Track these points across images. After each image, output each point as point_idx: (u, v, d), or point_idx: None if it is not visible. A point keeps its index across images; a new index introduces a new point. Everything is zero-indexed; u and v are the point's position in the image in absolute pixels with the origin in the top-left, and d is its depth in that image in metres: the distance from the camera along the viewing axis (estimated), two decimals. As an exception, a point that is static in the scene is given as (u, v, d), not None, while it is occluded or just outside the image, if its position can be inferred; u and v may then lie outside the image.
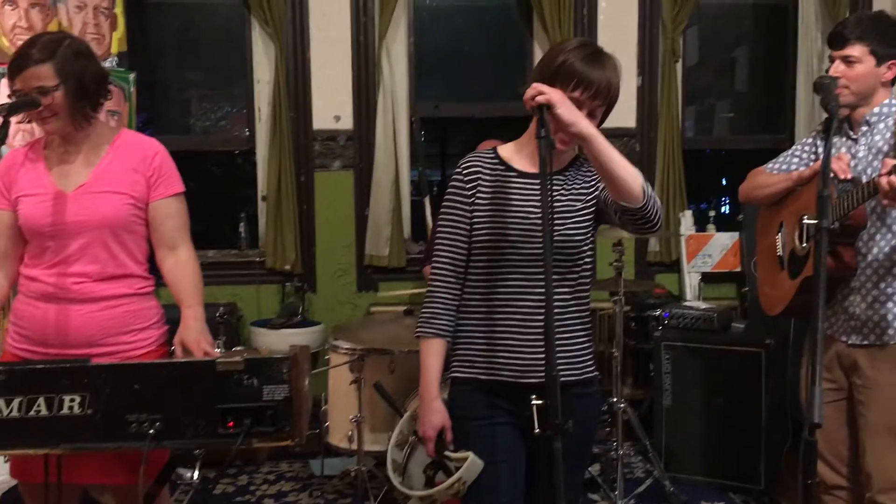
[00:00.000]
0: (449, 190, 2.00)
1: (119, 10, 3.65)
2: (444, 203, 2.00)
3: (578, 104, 1.81)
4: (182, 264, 2.32)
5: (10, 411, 1.65)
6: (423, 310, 2.00)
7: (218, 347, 3.62)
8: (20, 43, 3.22)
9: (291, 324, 4.20)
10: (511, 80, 4.78)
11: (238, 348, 3.89)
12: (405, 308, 3.58)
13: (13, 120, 2.09)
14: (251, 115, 4.49)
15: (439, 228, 2.00)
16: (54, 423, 1.66)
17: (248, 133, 4.56)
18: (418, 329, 1.99)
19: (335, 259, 4.50)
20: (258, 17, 4.27)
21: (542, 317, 1.68)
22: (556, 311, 1.87)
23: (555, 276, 1.86)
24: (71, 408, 1.66)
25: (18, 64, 2.11)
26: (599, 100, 1.86)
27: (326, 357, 3.46)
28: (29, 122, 2.19)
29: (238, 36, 4.47)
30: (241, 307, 4.37)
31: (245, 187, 4.66)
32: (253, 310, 4.40)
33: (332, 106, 4.42)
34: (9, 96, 2.15)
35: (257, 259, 4.44)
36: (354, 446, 3.23)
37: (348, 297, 4.51)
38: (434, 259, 2.00)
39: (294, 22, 4.34)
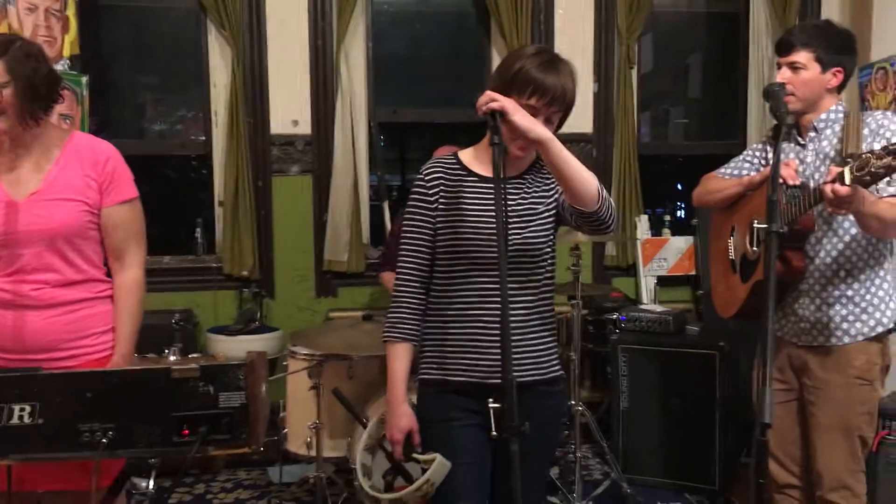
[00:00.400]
0: (412, 195, 2.02)
1: (71, 12, 3.59)
2: (408, 209, 2.02)
3: (534, 111, 1.84)
4: (124, 291, 2.26)
5: (-42, 421, 1.61)
6: (389, 314, 2.01)
7: (173, 355, 3.58)
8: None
9: (249, 330, 4.15)
10: (469, 86, 4.80)
11: (194, 355, 3.84)
12: (364, 313, 3.57)
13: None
14: (207, 119, 4.44)
15: (403, 234, 2.02)
16: (3, 433, 1.62)
17: (204, 138, 4.51)
18: (384, 333, 2.01)
19: (293, 264, 4.47)
20: (214, 20, 4.23)
21: (510, 318, 1.71)
22: (520, 312, 1.92)
23: (517, 279, 1.90)
24: (21, 417, 1.63)
25: None
26: (556, 106, 1.89)
27: (285, 363, 3.44)
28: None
29: (194, 40, 4.42)
30: (198, 313, 4.32)
31: (201, 192, 4.61)
32: (210, 316, 4.35)
33: (289, 110, 4.39)
34: None
35: (214, 265, 4.40)
36: (313, 453, 3.21)
37: (307, 303, 4.48)
38: (399, 264, 2.02)
39: (251, 26, 4.31)
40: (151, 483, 3.32)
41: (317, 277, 4.49)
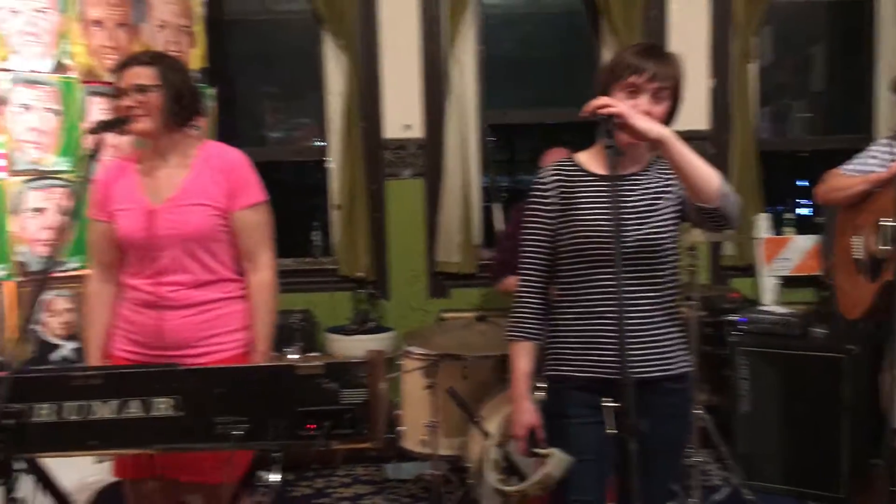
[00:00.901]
0: (531, 198, 2.07)
1: (198, 28, 3.79)
2: (527, 211, 2.07)
3: (637, 89, 1.87)
4: (258, 291, 2.39)
5: (107, 412, 1.74)
6: (512, 314, 2.08)
7: (294, 353, 3.73)
8: (107, 62, 3.40)
9: (364, 330, 4.28)
10: (580, 86, 4.76)
11: (313, 354, 3.98)
12: (477, 314, 3.60)
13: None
14: (323, 126, 4.59)
15: (523, 236, 2.07)
16: (148, 424, 1.75)
17: (320, 143, 4.67)
18: (508, 333, 2.08)
19: (407, 266, 4.56)
20: (330, 30, 4.37)
21: (632, 314, 1.73)
22: (643, 308, 1.93)
23: (639, 275, 1.91)
24: (163, 410, 1.75)
25: (126, 62, 2.28)
26: (658, 81, 1.89)
27: (399, 362, 3.52)
28: (123, 131, 2.33)
29: (311, 50, 4.58)
30: (316, 314, 4.46)
31: (318, 196, 4.76)
32: (327, 316, 4.49)
33: (402, 115, 4.49)
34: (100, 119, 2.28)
35: (331, 267, 4.54)
36: (428, 450, 3.27)
37: (420, 304, 4.56)
38: (520, 265, 2.08)
39: (365, 34, 4.43)
40: (276, 476, 3.48)
41: (429, 278, 4.56)
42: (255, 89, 5.03)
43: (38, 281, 2.08)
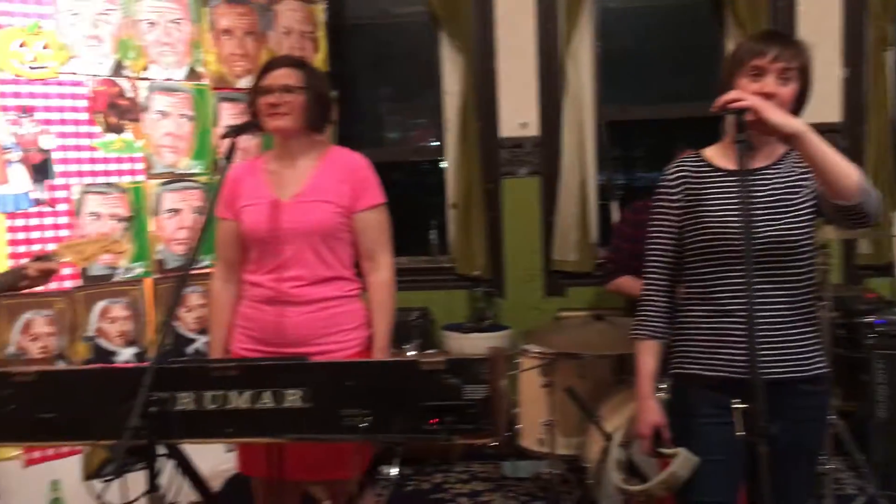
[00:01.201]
0: (656, 196, 2.04)
1: (321, 33, 3.91)
2: (652, 209, 2.04)
3: (762, 71, 1.82)
4: (378, 290, 2.45)
5: (242, 402, 1.82)
6: (638, 313, 2.05)
7: (413, 350, 3.79)
8: (237, 69, 3.56)
9: (481, 328, 4.30)
10: (701, 80, 4.63)
11: (432, 351, 4.03)
12: (595, 313, 3.56)
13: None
14: (440, 126, 4.65)
15: (649, 234, 2.04)
16: (279, 414, 1.82)
17: (437, 143, 4.72)
18: (633, 331, 2.06)
19: (523, 264, 4.56)
20: (447, 31, 4.42)
21: (764, 313, 1.67)
22: (777, 307, 1.87)
23: (773, 273, 1.85)
24: (293, 401, 1.81)
25: (273, 63, 2.40)
26: (783, 61, 1.82)
27: (516, 361, 3.52)
28: (254, 134, 2.46)
29: (427, 51, 4.65)
30: (433, 311, 4.52)
31: (434, 196, 4.82)
32: (444, 314, 4.54)
33: (518, 113, 4.48)
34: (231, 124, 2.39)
35: (447, 265, 4.59)
36: (546, 449, 3.26)
37: (536, 302, 4.55)
38: (646, 263, 2.04)
39: (480, 34, 4.45)
40: (396, 470, 3.56)
41: (545, 277, 4.54)
42: (373, 91, 5.14)
43: (178, 278, 2.20)
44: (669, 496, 1.97)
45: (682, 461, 1.89)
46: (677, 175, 2.00)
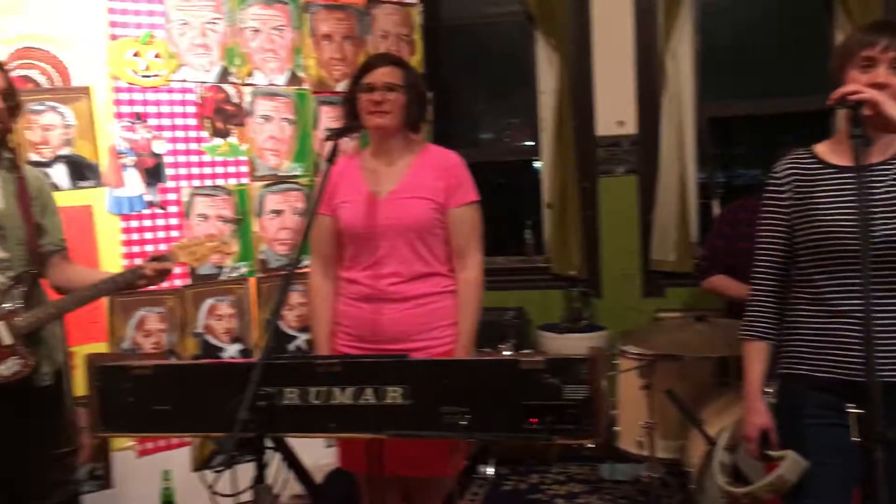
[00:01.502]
0: (765, 194, 1.99)
1: (417, 35, 3.95)
2: (762, 207, 1.99)
3: (873, 62, 1.75)
4: (466, 288, 2.45)
5: (345, 398, 1.87)
6: (746, 313, 2.01)
7: (508, 350, 3.78)
8: (336, 73, 3.64)
9: (577, 328, 4.26)
10: (805, 74, 4.45)
11: (528, 351, 4.02)
12: (696, 314, 3.48)
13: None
14: (536, 125, 4.63)
15: (758, 232, 1.99)
16: (380, 410, 1.85)
17: (532, 143, 4.70)
18: (741, 332, 2.02)
19: (620, 264, 4.49)
20: (542, 30, 4.39)
21: (882, 315, 1.62)
22: (894, 308, 1.79)
23: (891, 273, 1.76)
24: (394, 398, 1.84)
25: (374, 61, 2.44)
26: (894, 50, 1.75)
27: (613, 362, 3.47)
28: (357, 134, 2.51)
29: (523, 50, 4.63)
30: (529, 311, 4.51)
31: (530, 195, 4.80)
32: (540, 314, 4.52)
33: (615, 111, 4.42)
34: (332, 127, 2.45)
35: (543, 265, 4.57)
36: (645, 452, 3.20)
37: (634, 303, 4.47)
38: (755, 263, 2.00)
39: (577, 32, 4.41)
40: (492, 469, 3.56)
41: (643, 277, 4.46)
42: (468, 92, 5.16)
43: (283, 276, 2.26)
44: (775, 499, 1.92)
45: (791, 464, 1.84)
46: (787, 172, 1.94)
